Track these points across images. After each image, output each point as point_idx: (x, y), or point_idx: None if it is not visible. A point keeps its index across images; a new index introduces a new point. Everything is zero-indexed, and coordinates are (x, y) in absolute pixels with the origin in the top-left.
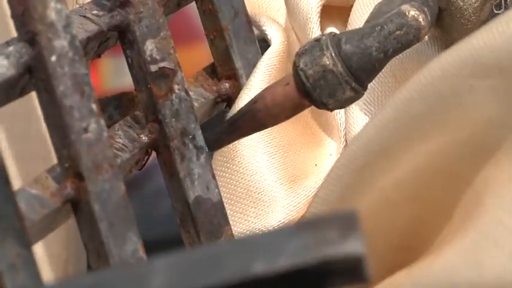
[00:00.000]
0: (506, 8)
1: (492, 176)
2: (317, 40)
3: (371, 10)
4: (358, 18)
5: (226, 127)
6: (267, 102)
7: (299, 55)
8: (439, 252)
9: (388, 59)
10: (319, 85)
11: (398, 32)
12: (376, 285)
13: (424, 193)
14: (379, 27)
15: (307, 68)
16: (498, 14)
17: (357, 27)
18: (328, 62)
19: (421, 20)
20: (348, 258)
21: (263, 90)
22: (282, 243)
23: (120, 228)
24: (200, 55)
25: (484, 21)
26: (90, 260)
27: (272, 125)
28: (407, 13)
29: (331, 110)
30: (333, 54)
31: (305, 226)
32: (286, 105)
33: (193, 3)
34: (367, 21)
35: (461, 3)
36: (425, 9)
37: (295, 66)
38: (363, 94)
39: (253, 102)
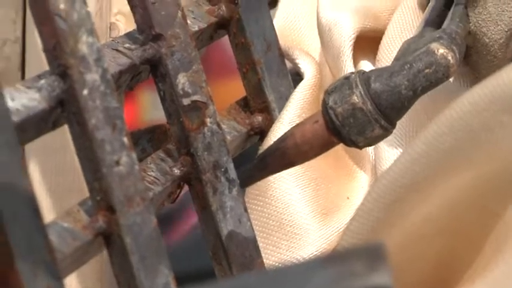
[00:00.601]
0: None
1: None
2: (346, 78)
3: (399, 46)
4: (386, 55)
5: (256, 164)
6: (296, 139)
7: (328, 93)
8: (470, 284)
9: (417, 97)
10: (349, 123)
11: (427, 70)
12: None
13: (455, 226)
14: (408, 65)
15: (336, 106)
16: None
17: (386, 63)
18: (357, 100)
19: (450, 58)
20: None
21: (292, 128)
22: (310, 275)
23: (151, 261)
24: (231, 90)
25: (511, 58)
26: None
27: (301, 163)
28: (436, 51)
29: (361, 148)
30: (362, 92)
31: (332, 258)
32: (315, 143)
33: (226, 37)
34: (395, 59)
35: (487, 40)
36: (454, 47)
37: (325, 104)
38: (392, 132)
39: (282, 139)
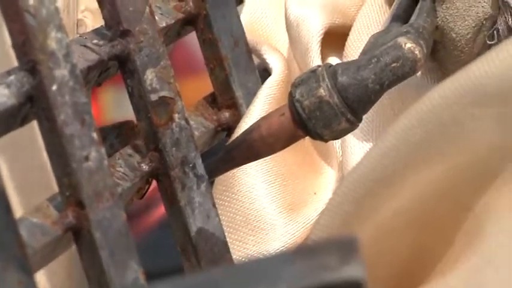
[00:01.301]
0: (498, 39)
1: (493, 202)
2: (313, 71)
3: (365, 42)
4: (353, 50)
5: (222, 156)
6: (262, 132)
7: (295, 86)
8: (441, 277)
9: (384, 91)
10: (315, 116)
11: (394, 64)
12: None
13: (425, 220)
14: (375, 59)
15: (303, 99)
16: (491, 44)
17: (352, 58)
18: (324, 93)
19: (417, 52)
20: (348, 283)
21: (258, 120)
22: (282, 268)
23: (121, 256)
24: (199, 87)
25: (478, 53)
26: None
27: (267, 155)
28: (403, 45)
29: (326, 141)
30: (329, 86)
31: (305, 251)
32: (281, 135)
33: (194, 33)
34: (362, 53)
35: (454, 35)
36: (421, 41)
37: (291, 97)
38: (358, 125)
39: (248, 132)
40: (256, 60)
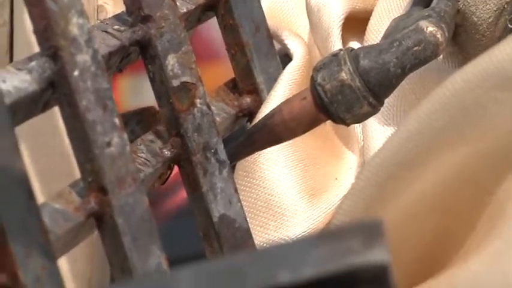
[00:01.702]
0: None
1: None
2: (335, 55)
3: (386, 27)
4: (374, 35)
5: (243, 140)
6: (283, 116)
7: (317, 70)
8: (464, 262)
9: (406, 75)
10: (337, 100)
11: (416, 48)
12: None
13: (448, 204)
14: (397, 42)
15: (324, 83)
16: None
17: (373, 43)
18: (346, 77)
19: (439, 36)
20: (373, 267)
21: (280, 104)
22: (307, 252)
23: (143, 242)
24: (219, 73)
25: (499, 37)
26: (114, 275)
27: (288, 139)
28: (425, 29)
29: (348, 124)
30: (351, 69)
31: (329, 236)
32: (303, 119)
33: (214, 18)
34: (384, 37)
35: (475, 19)
36: (443, 25)
37: (313, 81)
38: (380, 109)
39: (270, 116)
40: (277, 46)
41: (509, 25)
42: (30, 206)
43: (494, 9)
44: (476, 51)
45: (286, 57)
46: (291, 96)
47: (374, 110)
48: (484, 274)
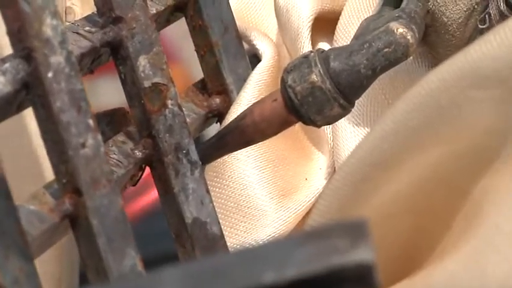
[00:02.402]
0: (490, 23)
1: (491, 184)
2: (305, 57)
3: (355, 27)
4: (343, 35)
5: (214, 142)
6: (254, 117)
7: (287, 71)
8: (440, 261)
9: (376, 76)
10: (307, 101)
11: (386, 50)
12: None
13: (423, 204)
14: (367, 44)
15: (295, 85)
16: (483, 28)
17: (343, 43)
18: (316, 79)
19: (409, 37)
20: (358, 266)
21: (251, 106)
22: (291, 252)
23: (118, 243)
24: (178, 74)
25: (469, 37)
26: (88, 276)
27: (259, 141)
28: (395, 30)
29: (319, 126)
30: (321, 71)
31: (314, 235)
32: (273, 121)
33: (183, 19)
34: (354, 38)
35: (445, 19)
36: (413, 26)
37: (284, 83)
38: (351, 110)
39: (241, 117)
40: (246, 47)
41: (479, 25)
42: (7, 208)
43: (465, 9)
44: (446, 51)
45: (254, 58)
46: (260, 96)
47: (345, 111)
48: (461, 273)
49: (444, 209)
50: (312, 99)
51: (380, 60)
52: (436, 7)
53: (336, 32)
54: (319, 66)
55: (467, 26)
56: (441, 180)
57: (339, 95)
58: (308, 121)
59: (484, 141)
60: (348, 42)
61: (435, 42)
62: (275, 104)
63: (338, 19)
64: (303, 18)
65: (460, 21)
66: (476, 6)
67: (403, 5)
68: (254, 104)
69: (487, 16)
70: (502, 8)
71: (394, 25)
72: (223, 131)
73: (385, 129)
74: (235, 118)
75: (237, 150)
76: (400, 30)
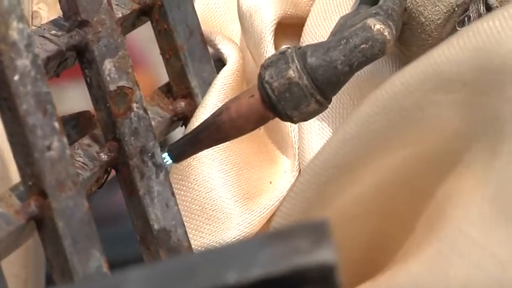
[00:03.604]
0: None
1: (454, 188)
2: (282, 53)
3: (323, 29)
4: (310, 37)
5: (189, 139)
6: (231, 114)
7: (264, 67)
8: (403, 263)
9: (353, 73)
10: (284, 97)
11: (363, 46)
12: None
13: (386, 207)
14: (344, 40)
15: (272, 81)
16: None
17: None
18: (293, 75)
19: (386, 33)
20: (320, 267)
21: (227, 102)
22: (255, 253)
23: (84, 245)
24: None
25: (446, 38)
26: (54, 277)
27: (235, 137)
28: (372, 27)
29: (295, 122)
30: (299, 67)
31: (277, 236)
32: (250, 117)
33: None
34: (332, 34)
35: (423, 19)
36: (391, 23)
37: (261, 78)
38: (327, 107)
39: (217, 114)
40: (210, 51)
41: (458, 28)
42: None
43: (444, 11)
44: (421, 50)
45: (219, 62)
46: (225, 100)
47: (321, 107)
48: (425, 275)
49: (407, 211)
50: (289, 95)
51: (357, 56)
52: (414, 6)
53: (303, 35)
54: (296, 62)
55: (445, 28)
56: (404, 183)
57: (315, 91)
58: (285, 117)
59: (447, 144)
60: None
61: (409, 40)
62: (252, 100)
63: (301, 23)
64: (265, 22)
65: (438, 22)
66: (456, 9)
67: (381, 2)
68: (230, 100)
69: (466, 19)
70: (481, 11)
71: (371, 21)
72: (198, 127)
73: (348, 132)
74: (211, 115)
75: (211, 146)
76: (378, 26)
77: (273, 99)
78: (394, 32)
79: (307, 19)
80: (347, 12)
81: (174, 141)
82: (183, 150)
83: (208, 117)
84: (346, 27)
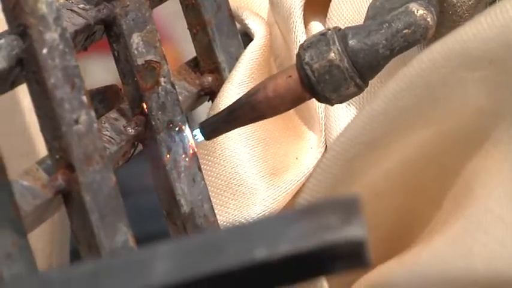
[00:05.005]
0: None
1: (481, 165)
2: (323, 34)
3: (349, 4)
4: (337, 13)
5: (224, 116)
6: (268, 93)
7: (304, 48)
8: (429, 240)
9: (393, 57)
10: (324, 79)
11: (406, 31)
12: (367, 274)
13: (413, 184)
14: (386, 24)
15: (312, 62)
16: None
17: (336, 21)
18: (335, 57)
19: (429, 19)
20: (350, 243)
21: (264, 81)
22: (284, 228)
23: (111, 219)
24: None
25: None
26: (81, 251)
27: (270, 116)
28: (416, 12)
29: (332, 104)
30: (340, 50)
31: (306, 211)
32: (287, 97)
33: None
34: (370, 18)
35: (454, 0)
36: (432, 8)
37: (300, 60)
38: (364, 90)
39: (253, 93)
40: (237, 26)
41: None
42: (1, 183)
43: None
44: (449, 31)
45: (245, 37)
46: (252, 76)
47: (359, 90)
48: (448, 251)
49: (434, 188)
50: (329, 77)
51: (399, 41)
52: None
53: (329, 11)
54: (337, 44)
55: (476, 8)
56: (431, 160)
57: (355, 74)
58: (323, 99)
59: (473, 122)
60: (341, 22)
61: (440, 22)
62: (290, 80)
63: None
64: None
65: (470, 3)
66: None
67: None
68: (266, 79)
69: (498, 1)
70: None
71: (414, 6)
72: (234, 105)
73: (375, 108)
74: (246, 93)
75: (246, 124)
76: (421, 12)
77: (312, 80)
78: (435, 17)
79: None
80: None
81: (205, 119)
82: (216, 128)
83: (242, 96)
84: (385, 10)
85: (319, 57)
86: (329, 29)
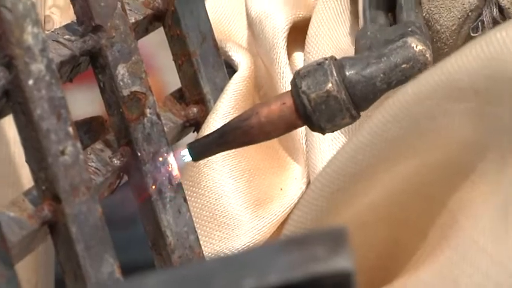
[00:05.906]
0: (483, 31)
1: (467, 197)
2: (320, 64)
3: (324, 37)
4: (313, 47)
5: (214, 139)
6: (261, 119)
7: (301, 76)
8: (415, 271)
9: (389, 90)
10: (320, 109)
11: (404, 65)
12: None
13: (398, 215)
14: (384, 57)
15: (310, 91)
16: (475, 37)
17: (315, 55)
18: (332, 88)
19: (428, 55)
20: (337, 274)
21: (256, 107)
22: (272, 259)
23: (97, 250)
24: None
25: (461, 45)
26: (67, 282)
27: (261, 141)
28: (414, 47)
29: (324, 133)
30: (338, 81)
31: (294, 242)
32: (280, 124)
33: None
34: (365, 48)
35: (438, 27)
36: (428, 42)
37: (297, 88)
38: (356, 121)
39: (245, 118)
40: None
41: (472, 34)
42: None
43: (458, 16)
44: (437, 60)
45: (230, 69)
46: (237, 106)
47: (353, 121)
48: (435, 283)
49: (419, 219)
50: (325, 107)
51: (397, 75)
52: (430, 15)
53: (306, 44)
54: (335, 75)
55: (460, 34)
56: (416, 192)
57: (351, 106)
58: (317, 128)
59: (459, 153)
60: (319, 53)
61: None
62: (284, 107)
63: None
64: (278, 28)
65: (453, 28)
66: (470, 14)
67: (405, 16)
68: (259, 105)
69: (480, 24)
70: (495, 14)
71: (411, 41)
72: (225, 129)
73: (361, 140)
74: (238, 117)
75: (235, 148)
76: (420, 47)
77: (308, 109)
78: (431, 51)
79: (309, 27)
80: (347, 18)
81: (194, 140)
82: (205, 150)
83: (233, 120)
84: (381, 42)
85: (317, 87)
86: (326, 59)
